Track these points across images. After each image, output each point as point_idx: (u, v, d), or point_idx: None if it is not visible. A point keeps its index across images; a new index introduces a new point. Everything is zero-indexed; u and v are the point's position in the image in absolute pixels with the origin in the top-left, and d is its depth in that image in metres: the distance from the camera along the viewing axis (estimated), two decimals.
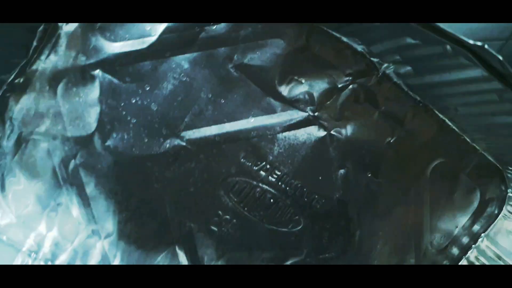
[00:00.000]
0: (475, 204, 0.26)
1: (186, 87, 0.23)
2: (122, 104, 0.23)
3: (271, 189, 0.24)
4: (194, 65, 0.23)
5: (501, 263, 0.25)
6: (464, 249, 0.27)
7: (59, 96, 0.22)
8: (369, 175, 0.25)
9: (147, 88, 0.23)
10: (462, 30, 0.46)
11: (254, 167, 0.24)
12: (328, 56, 0.23)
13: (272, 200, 0.24)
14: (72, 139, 0.23)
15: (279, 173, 0.24)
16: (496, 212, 0.27)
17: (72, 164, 0.23)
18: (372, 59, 0.23)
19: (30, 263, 0.25)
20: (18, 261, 0.24)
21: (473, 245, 0.27)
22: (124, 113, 0.23)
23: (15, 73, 0.22)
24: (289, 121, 0.23)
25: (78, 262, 0.25)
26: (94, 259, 0.24)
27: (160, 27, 0.22)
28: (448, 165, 0.25)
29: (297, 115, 0.23)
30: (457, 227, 0.27)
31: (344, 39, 0.22)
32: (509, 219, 0.27)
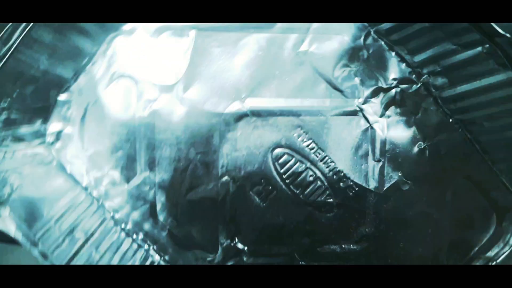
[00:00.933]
0: (492, 229, 0.28)
1: (260, 61, 0.26)
2: (206, 64, 0.26)
3: (313, 167, 0.27)
4: (270, 44, 0.26)
5: None
6: None
7: None
8: (400, 174, 0.27)
9: (229, 56, 0.26)
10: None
11: (302, 143, 0.27)
12: (378, 59, 0.27)
13: (311, 178, 0.27)
14: (158, 86, 0.26)
15: (322, 153, 0.27)
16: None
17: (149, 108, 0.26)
18: (414, 69, 0.27)
19: (83, 198, 0.26)
20: (73, 194, 0.25)
21: None
22: (206, 71, 0.26)
23: None
24: (339, 108, 0.27)
25: (128, 206, 0.26)
26: (144, 205, 0.26)
27: None
28: (470, 185, 0.28)
29: (346, 104, 0.27)
30: (473, 248, 0.29)
31: (394, 47, 0.27)
32: None
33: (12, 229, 0.23)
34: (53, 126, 0.26)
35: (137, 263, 0.26)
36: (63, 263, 0.23)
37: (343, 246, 0.27)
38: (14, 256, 0.30)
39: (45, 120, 0.26)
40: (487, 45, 0.23)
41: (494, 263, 0.28)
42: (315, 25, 0.26)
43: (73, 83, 0.26)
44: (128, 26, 0.26)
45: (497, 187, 0.28)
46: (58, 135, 0.26)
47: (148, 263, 0.26)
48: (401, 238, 0.28)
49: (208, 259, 0.27)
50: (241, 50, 0.26)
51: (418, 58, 0.26)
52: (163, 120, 0.26)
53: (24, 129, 0.25)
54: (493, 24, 0.22)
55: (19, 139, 0.25)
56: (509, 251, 0.29)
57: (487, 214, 0.28)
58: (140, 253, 0.26)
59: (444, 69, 0.26)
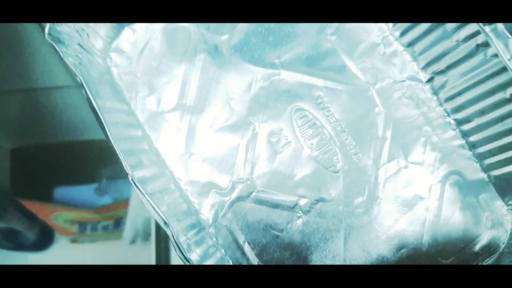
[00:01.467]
0: (482, 230, 0.31)
1: (296, 36, 0.32)
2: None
3: (327, 128, 0.31)
4: (308, 28, 0.32)
5: None
6: None
7: None
8: (401, 152, 0.31)
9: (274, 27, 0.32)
10: None
11: (321, 107, 0.31)
12: (392, 57, 0.33)
13: (324, 136, 0.31)
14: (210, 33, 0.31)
15: (337, 118, 0.31)
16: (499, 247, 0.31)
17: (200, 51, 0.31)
18: (419, 70, 0.32)
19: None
20: None
21: None
22: (260, 28, 0.31)
23: None
24: (355, 86, 0.32)
25: None
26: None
27: None
28: (463, 184, 0.31)
29: (362, 86, 0.32)
30: (463, 246, 0.31)
31: (405, 48, 0.33)
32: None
33: None
34: None
35: None
36: None
37: (343, 208, 0.30)
38: None
39: None
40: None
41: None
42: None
43: None
44: None
45: (485, 191, 0.32)
46: None
47: None
48: (397, 214, 0.31)
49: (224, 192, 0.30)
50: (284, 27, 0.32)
51: (424, 59, 0.32)
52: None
53: None
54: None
55: None
56: (497, 254, 0.32)
57: (477, 215, 0.31)
58: None
59: (446, 67, 0.31)
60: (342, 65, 0.32)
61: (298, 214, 0.30)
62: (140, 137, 0.29)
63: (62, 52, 0.24)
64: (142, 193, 0.23)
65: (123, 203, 0.46)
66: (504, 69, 0.28)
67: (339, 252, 0.30)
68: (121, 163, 0.24)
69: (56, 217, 0.44)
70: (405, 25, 0.31)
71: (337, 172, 0.30)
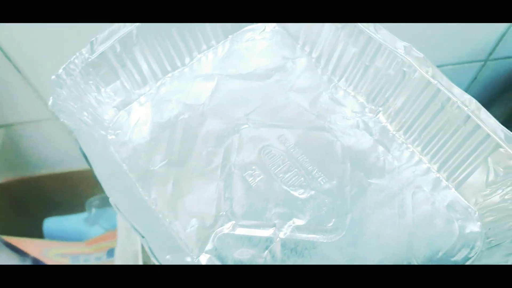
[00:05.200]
0: (455, 238, 0.33)
1: (260, 95, 0.39)
2: None
3: (292, 160, 0.35)
4: (270, 85, 0.39)
5: None
6: None
7: None
8: (362, 174, 0.35)
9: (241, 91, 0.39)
10: (442, 53, 0.58)
11: (285, 144, 0.36)
12: (342, 99, 0.38)
13: (291, 167, 0.35)
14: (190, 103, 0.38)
15: (300, 151, 0.36)
16: (476, 248, 0.33)
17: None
18: (367, 105, 0.38)
19: None
20: None
21: None
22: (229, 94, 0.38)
23: None
24: (313, 124, 0.37)
25: None
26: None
27: None
28: (428, 196, 0.34)
29: (319, 123, 0.37)
30: (441, 255, 0.33)
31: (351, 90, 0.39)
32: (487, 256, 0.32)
33: None
34: None
35: None
36: None
37: (317, 227, 0.33)
38: None
39: None
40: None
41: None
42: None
43: None
44: None
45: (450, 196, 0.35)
46: None
47: None
48: (367, 229, 0.33)
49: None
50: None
51: (371, 100, 0.38)
52: None
53: None
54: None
55: None
56: (475, 256, 0.33)
57: (448, 223, 0.34)
58: None
59: (387, 98, 0.37)
60: (299, 111, 0.38)
61: (276, 238, 0.33)
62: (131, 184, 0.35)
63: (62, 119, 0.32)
64: (121, 212, 0.28)
65: (115, 233, 0.48)
66: (428, 83, 0.33)
67: None
68: None
69: (47, 251, 0.47)
70: (349, 74, 0.38)
71: (306, 196, 0.34)
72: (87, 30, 0.38)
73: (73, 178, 0.76)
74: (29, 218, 0.79)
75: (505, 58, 0.67)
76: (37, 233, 0.80)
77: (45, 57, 0.51)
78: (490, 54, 0.65)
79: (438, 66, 0.33)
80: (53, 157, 0.72)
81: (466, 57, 0.65)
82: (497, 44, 0.63)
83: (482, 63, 0.67)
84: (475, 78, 0.70)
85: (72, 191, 0.78)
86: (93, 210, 0.78)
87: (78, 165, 0.75)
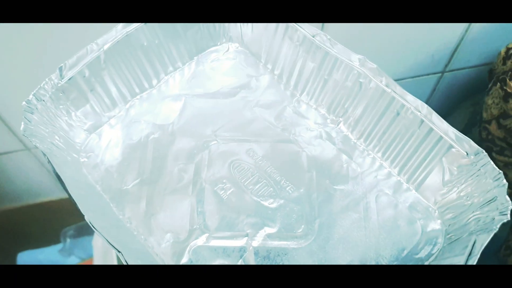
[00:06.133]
0: (418, 236, 0.35)
1: (225, 113, 0.40)
2: None
3: (261, 172, 0.37)
4: (234, 103, 0.41)
5: None
6: None
7: None
8: (327, 181, 0.37)
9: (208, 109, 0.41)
10: (401, 68, 0.60)
11: (254, 157, 0.38)
12: (305, 112, 0.40)
13: (260, 179, 0.37)
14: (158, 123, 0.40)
15: (268, 163, 0.38)
16: (438, 245, 0.34)
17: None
18: (328, 117, 0.40)
19: None
20: None
21: None
22: (197, 113, 0.40)
23: None
24: (279, 138, 0.39)
25: None
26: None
27: None
28: (391, 198, 0.37)
29: (285, 136, 0.39)
30: (406, 253, 0.35)
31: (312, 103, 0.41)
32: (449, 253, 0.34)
33: None
34: None
35: None
36: None
37: (287, 234, 0.35)
38: None
39: None
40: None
41: (426, 263, 0.34)
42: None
43: None
44: None
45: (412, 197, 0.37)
46: None
47: None
48: (335, 234, 0.35)
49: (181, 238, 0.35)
50: None
51: (329, 107, 0.40)
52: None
53: None
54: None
55: None
56: (437, 252, 0.35)
57: (411, 223, 0.36)
58: None
59: (346, 109, 0.39)
60: (265, 125, 0.39)
61: (249, 247, 0.34)
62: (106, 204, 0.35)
63: (35, 143, 0.32)
64: (96, 230, 0.29)
65: (90, 262, 0.48)
66: (383, 91, 0.36)
67: None
68: (83, 220, 0.30)
69: None
70: (309, 88, 0.40)
71: (276, 205, 0.36)
72: (53, 59, 0.39)
73: (46, 209, 0.75)
74: (2, 252, 0.78)
75: (461, 69, 0.71)
76: None
77: (11, 88, 0.51)
78: (446, 65, 0.69)
79: (397, 80, 0.36)
80: (25, 188, 0.72)
81: (424, 69, 0.69)
82: (452, 56, 0.66)
83: (440, 74, 0.71)
84: (434, 89, 0.74)
85: (45, 222, 0.77)
86: (68, 240, 0.77)
87: (51, 196, 0.75)
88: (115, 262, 0.64)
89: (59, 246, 0.79)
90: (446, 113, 0.32)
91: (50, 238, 0.79)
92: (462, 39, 0.63)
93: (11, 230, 0.78)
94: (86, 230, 0.73)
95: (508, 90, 0.51)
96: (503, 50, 0.54)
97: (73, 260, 0.77)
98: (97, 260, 0.64)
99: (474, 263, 0.28)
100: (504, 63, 0.53)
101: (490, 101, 0.55)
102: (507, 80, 0.52)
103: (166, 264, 0.33)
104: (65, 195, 0.70)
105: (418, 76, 0.69)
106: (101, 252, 0.65)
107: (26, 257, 0.80)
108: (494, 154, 0.56)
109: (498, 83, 0.53)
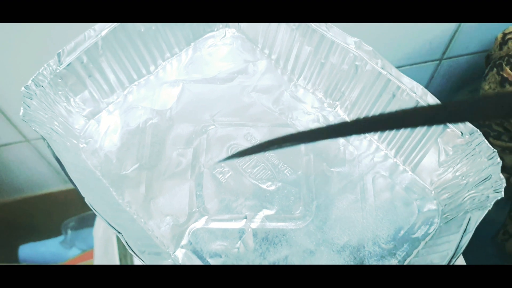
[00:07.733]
0: (415, 216, 0.35)
1: (223, 97, 0.41)
2: None
3: (258, 155, 0.37)
4: (232, 88, 0.41)
5: None
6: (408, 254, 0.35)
7: None
8: (325, 164, 0.37)
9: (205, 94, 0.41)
10: (399, 55, 0.60)
11: (251, 141, 0.38)
12: (302, 96, 0.41)
13: (258, 163, 0.37)
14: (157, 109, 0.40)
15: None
16: (434, 225, 0.35)
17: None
18: (325, 100, 0.40)
19: None
20: None
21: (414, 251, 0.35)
22: (195, 99, 0.40)
23: None
24: (276, 122, 0.39)
25: None
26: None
27: None
28: (388, 180, 0.37)
29: (282, 120, 0.39)
30: (403, 232, 0.35)
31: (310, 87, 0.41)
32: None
33: None
34: None
35: None
36: None
37: (286, 215, 0.35)
38: None
39: None
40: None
41: (422, 243, 0.35)
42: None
43: None
44: None
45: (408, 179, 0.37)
46: None
47: None
48: (332, 214, 0.35)
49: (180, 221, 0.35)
50: None
51: (326, 90, 0.40)
52: None
53: None
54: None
55: None
56: (433, 232, 0.35)
57: (407, 204, 0.36)
58: None
59: (343, 92, 0.39)
60: (263, 110, 0.40)
61: (248, 229, 0.34)
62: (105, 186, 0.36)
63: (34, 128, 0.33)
64: (96, 211, 0.29)
65: (91, 253, 0.48)
66: (379, 74, 0.36)
67: (287, 253, 0.34)
68: (85, 211, 0.30)
69: None
70: (306, 72, 0.40)
71: (274, 188, 0.36)
72: (50, 50, 0.39)
73: (48, 201, 0.76)
74: (4, 245, 0.78)
75: (459, 56, 0.71)
76: (12, 260, 0.79)
77: (10, 80, 0.51)
78: (444, 53, 0.69)
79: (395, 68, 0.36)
80: (25, 181, 0.72)
81: (421, 57, 0.69)
82: (449, 43, 0.66)
83: (438, 62, 0.71)
84: (432, 77, 0.74)
85: (46, 215, 0.78)
86: (69, 232, 0.78)
87: (51, 188, 0.75)
88: (116, 252, 0.64)
89: (60, 238, 0.79)
90: (444, 100, 0.32)
91: (51, 230, 0.79)
92: (459, 25, 0.63)
93: (12, 222, 0.78)
94: (87, 222, 0.73)
95: (505, 75, 0.52)
96: (499, 36, 0.55)
97: (74, 252, 0.78)
98: (98, 250, 0.65)
99: (469, 239, 0.29)
100: (500, 48, 0.54)
101: (486, 87, 0.55)
102: (504, 65, 0.52)
103: (166, 264, 0.34)
104: (65, 187, 0.70)
105: (416, 63, 0.69)
106: (102, 242, 0.66)
107: (28, 250, 0.81)
108: (491, 139, 0.56)
109: (495, 68, 0.53)
